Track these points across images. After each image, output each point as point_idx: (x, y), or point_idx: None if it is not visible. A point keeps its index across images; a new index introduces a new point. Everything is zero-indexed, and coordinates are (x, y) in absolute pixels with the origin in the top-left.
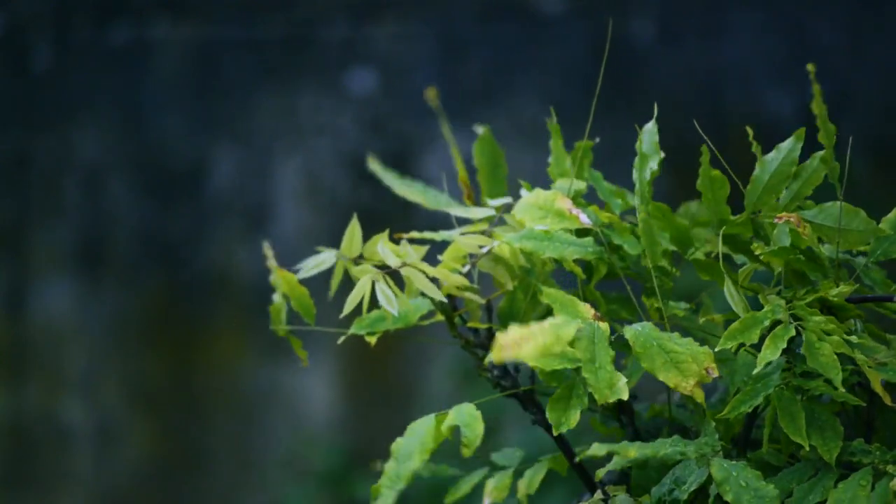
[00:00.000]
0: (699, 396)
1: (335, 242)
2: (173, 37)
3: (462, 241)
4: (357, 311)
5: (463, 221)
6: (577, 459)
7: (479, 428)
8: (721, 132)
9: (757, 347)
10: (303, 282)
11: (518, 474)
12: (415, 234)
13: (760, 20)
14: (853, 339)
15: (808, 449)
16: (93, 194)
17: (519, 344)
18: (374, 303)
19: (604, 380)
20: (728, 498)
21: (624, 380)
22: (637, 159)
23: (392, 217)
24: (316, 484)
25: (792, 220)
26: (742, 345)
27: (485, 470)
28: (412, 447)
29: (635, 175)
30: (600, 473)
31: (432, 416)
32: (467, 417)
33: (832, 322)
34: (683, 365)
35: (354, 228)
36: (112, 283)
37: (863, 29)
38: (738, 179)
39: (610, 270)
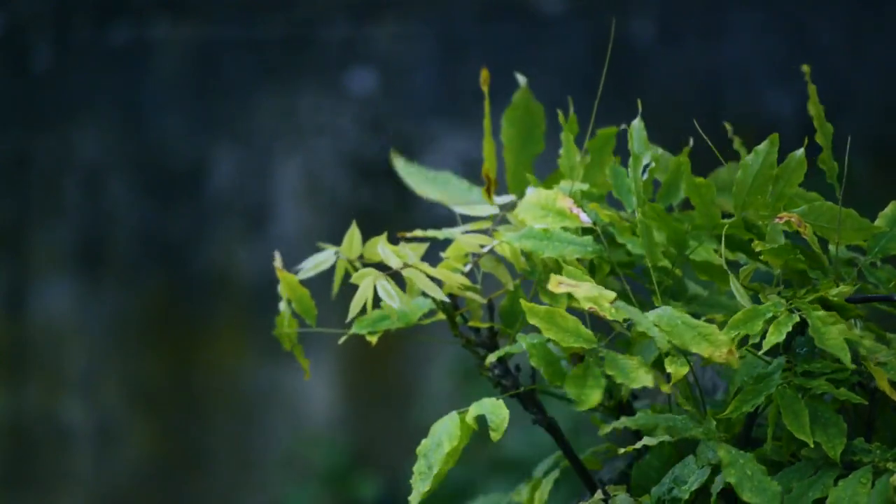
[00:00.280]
0: (734, 362)
1: (335, 242)
2: (173, 37)
3: (463, 241)
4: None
5: (467, 219)
6: (582, 456)
7: (505, 413)
8: (721, 132)
9: (758, 347)
10: (303, 282)
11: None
12: (418, 233)
13: (760, 20)
14: (857, 331)
15: (812, 445)
16: (93, 194)
17: (574, 287)
18: (374, 304)
19: (658, 333)
20: (731, 480)
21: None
22: (630, 159)
23: (392, 217)
24: (316, 484)
25: (792, 219)
26: (745, 341)
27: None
28: (440, 439)
29: (630, 175)
30: (598, 465)
31: (453, 413)
32: (490, 406)
33: (834, 316)
34: (712, 336)
35: (354, 233)
36: (112, 283)
37: (863, 29)
38: None
39: (613, 269)
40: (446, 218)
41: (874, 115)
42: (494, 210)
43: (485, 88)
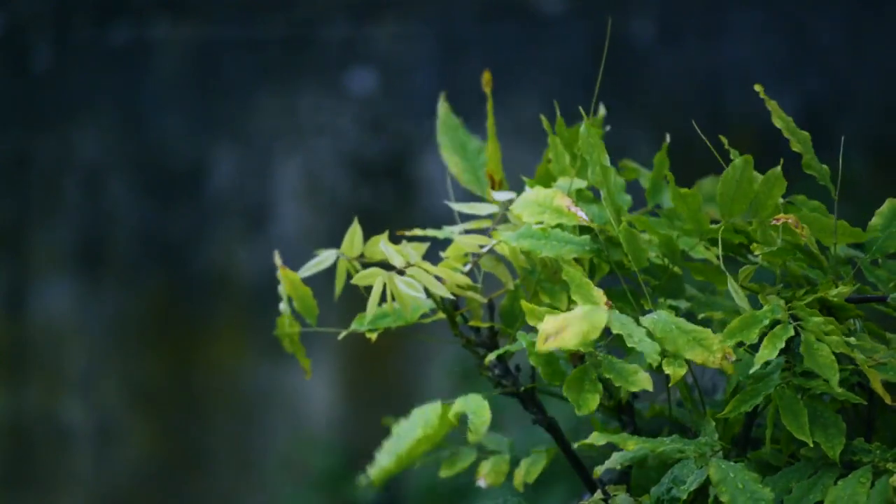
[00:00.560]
0: (729, 368)
1: (335, 242)
2: (173, 37)
3: (462, 241)
4: (357, 309)
5: (467, 217)
6: (575, 445)
7: (487, 415)
8: (720, 132)
9: (756, 347)
10: (304, 282)
11: (515, 463)
12: (418, 232)
13: (760, 20)
14: (852, 340)
15: (811, 445)
16: (93, 194)
17: (560, 332)
18: (382, 301)
19: (650, 347)
20: (724, 499)
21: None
22: (598, 169)
23: (391, 217)
24: (315, 484)
25: (789, 221)
26: (741, 343)
27: (474, 449)
28: (416, 423)
29: (602, 189)
30: (598, 471)
31: (439, 402)
32: (474, 405)
33: (831, 323)
34: (707, 341)
35: (355, 231)
36: (112, 283)
37: (863, 29)
38: None
39: (612, 268)
40: (446, 217)
41: (874, 115)
42: (494, 209)
43: (487, 90)
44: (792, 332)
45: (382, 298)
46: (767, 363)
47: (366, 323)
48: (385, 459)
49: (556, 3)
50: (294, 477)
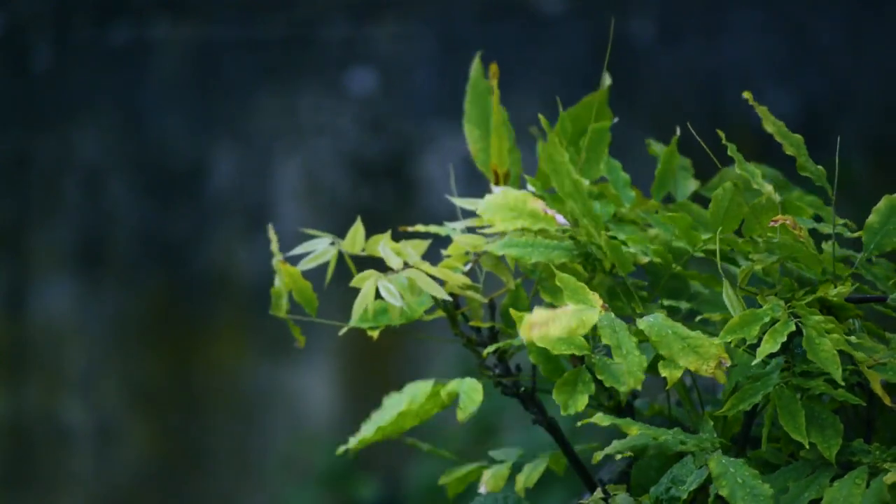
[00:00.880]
0: (721, 377)
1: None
2: (173, 37)
3: (461, 240)
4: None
5: (468, 214)
6: (579, 424)
7: (478, 398)
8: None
9: (755, 348)
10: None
11: (517, 468)
12: (420, 228)
13: (760, 20)
14: (852, 339)
15: (808, 447)
16: (93, 194)
17: (546, 324)
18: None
19: (634, 363)
20: (724, 493)
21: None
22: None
23: (391, 216)
24: (316, 484)
25: (787, 222)
26: (742, 342)
27: (483, 463)
28: (404, 396)
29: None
30: (598, 456)
31: (432, 380)
32: (468, 387)
33: (831, 322)
34: (701, 349)
35: (358, 228)
36: (112, 283)
37: (863, 29)
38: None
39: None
40: (446, 217)
41: (874, 115)
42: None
43: (494, 82)
44: (793, 327)
45: (378, 297)
46: (767, 363)
47: (358, 319)
48: (368, 429)
49: (556, 3)
50: (294, 476)
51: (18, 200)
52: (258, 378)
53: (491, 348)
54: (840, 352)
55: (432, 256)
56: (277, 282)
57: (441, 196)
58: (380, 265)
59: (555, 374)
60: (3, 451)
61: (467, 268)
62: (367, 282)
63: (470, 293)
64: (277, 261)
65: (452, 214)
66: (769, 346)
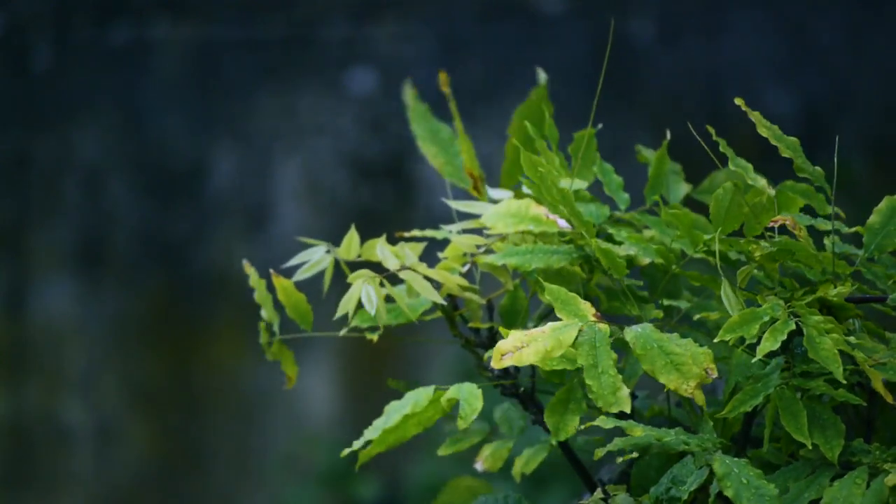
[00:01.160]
0: (700, 399)
1: (335, 242)
2: (173, 37)
3: (459, 241)
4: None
5: (465, 216)
6: (582, 427)
7: (478, 404)
8: (721, 132)
9: (754, 348)
10: (299, 283)
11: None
12: (416, 233)
13: (760, 20)
14: (852, 339)
15: (810, 447)
16: (93, 194)
17: (519, 349)
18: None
19: (607, 385)
20: (729, 494)
21: (626, 390)
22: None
23: (391, 216)
24: (316, 484)
25: (787, 222)
26: (741, 341)
27: (485, 425)
28: (405, 403)
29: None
30: (599, 453)
31: (433, 386)
32: (467, 393)
33: (831, 322)
34: (684, 367)
35: (352, 236)
36: (112, 283)
37: (863, 29)
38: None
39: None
40: (446, 217)
41: (874, 115)
42: (492, 207)
43: (445, 90)
44: (793, 327)
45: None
46: (766, 363)
47: (365, 319)
48: (371, 435)
49: (556, 3)
50: (294, 476)
51: (18, 200)
52: (258, 378)
53: (490, 352)
54: (840, 352)
55: (432, 258)
56: (264, 314)
57: (441, 196)
58: (377, 269)
59: (554, 375)
60: (3, 451)
61: (465, 269)
62: (358, 281)
63: (468, 294)
64: (270, 278)
65: (452, 214)
66: (769, 344)
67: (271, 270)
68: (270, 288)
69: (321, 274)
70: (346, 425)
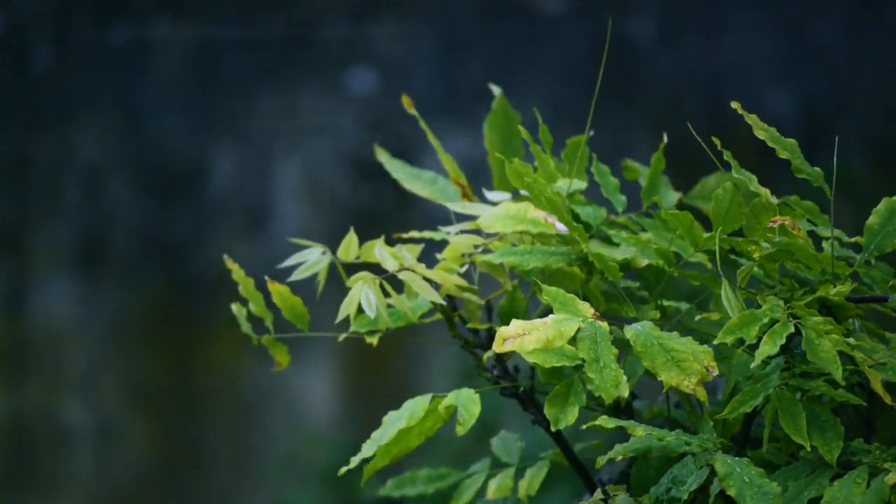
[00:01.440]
0: (702, 395)
1: (335, 242)
2: (173, 37)
3: (457, 242)
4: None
5: (462, 218)
6: (583, 427)
7: (476, 409)
8: (721, 132)
9: (754, 348)
10: (295, 283)
11: (520, 473)
12: (414, 234)
13: (760, 20)
14: (851, 340)
15: (808, 449)
16: (93, 194)
17: (521, 336)
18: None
19: (609, 378)
20: (731, 493)
21: (625, 378)
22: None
23: (391, 217)
24: (316, 484)
25: (786, 222)
26: (741, 342)
27: (486, 464)
28: (403, 414)
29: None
30: (601, 461)
31: (429, 395)
32: (465, 399)
33: (830, 323)
34: (685, 363)
35: (351, 238)
36: (112, 283)
37: (863, 29)
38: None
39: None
40: (446, 218)
41: (874, 115)
42: (489, 209)
43: (412, 111)
44: (792, 329)
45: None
46: (766, 364)
47: (365, 323)
48: (368, 449)
49: (556, 3)
50: (295, 476)
51: (18, 200)
52: (258, 378)
53: (490, 352)
54: (840, 352)
55: (431, 260)
56: (233, 306)
57: None
58: (376, 271)
59: (553, 376)
60: (3, 451)
61: (464, 269)
62: (357, 283)
63: (467, 295)
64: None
65: (451, 216)
66: (768, 347)
67: (266, 278)
68: (265, 290)
69: (318, 273)
70: (346, 425)
